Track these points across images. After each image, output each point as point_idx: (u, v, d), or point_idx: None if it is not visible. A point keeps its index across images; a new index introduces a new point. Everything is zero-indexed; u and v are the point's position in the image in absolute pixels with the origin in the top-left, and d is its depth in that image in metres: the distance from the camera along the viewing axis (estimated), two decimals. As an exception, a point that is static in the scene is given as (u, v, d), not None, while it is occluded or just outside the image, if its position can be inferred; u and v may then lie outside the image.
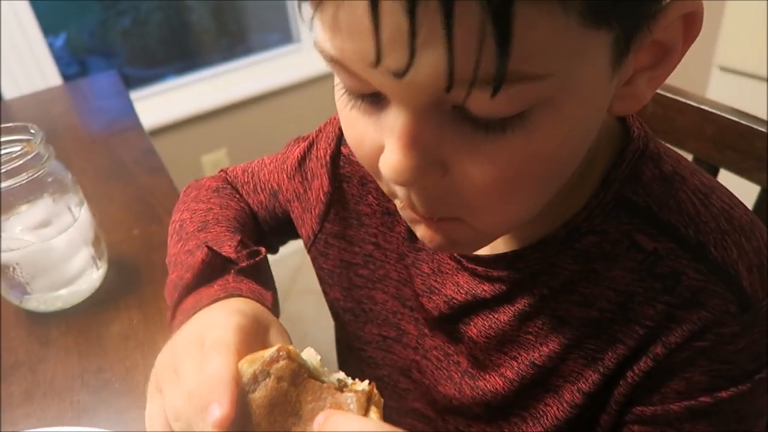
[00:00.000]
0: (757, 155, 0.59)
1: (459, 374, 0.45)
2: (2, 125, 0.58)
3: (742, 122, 0.60)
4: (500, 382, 0.42)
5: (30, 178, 0.55)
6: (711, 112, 0.62)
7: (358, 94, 0.30)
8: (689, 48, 0.31)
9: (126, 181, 0.79)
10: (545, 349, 0.39)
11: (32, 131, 0.57)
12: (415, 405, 0.50)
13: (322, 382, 0.32)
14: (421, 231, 0.35)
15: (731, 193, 0.37)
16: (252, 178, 0.56)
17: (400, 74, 0.25)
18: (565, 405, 0.39)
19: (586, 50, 0.26)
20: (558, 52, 0.25)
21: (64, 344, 0.56)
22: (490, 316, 0.41)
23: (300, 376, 0.32)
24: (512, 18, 0.22)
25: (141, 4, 2.03)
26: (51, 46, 1.58)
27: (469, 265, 0.41)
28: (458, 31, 0.23)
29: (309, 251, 0.52)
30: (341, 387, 0.32)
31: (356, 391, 0.31)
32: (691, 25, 0.30)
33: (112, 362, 0.53)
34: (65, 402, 0.50)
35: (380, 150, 0.30)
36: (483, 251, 0.40)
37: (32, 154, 0.54)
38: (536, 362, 0.40)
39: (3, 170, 0.53)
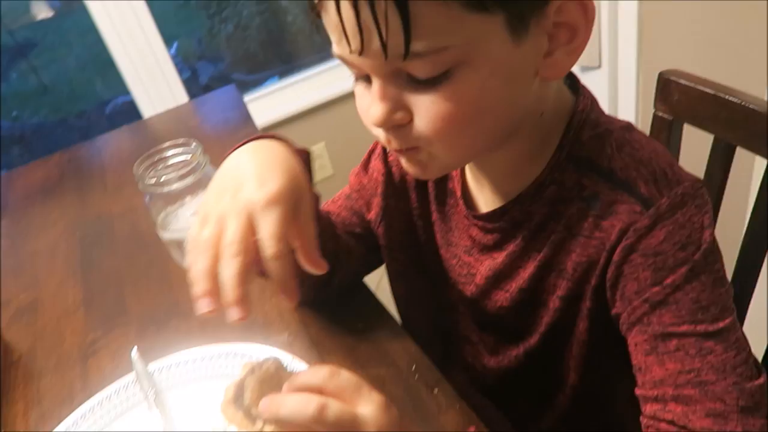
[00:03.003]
0: (759, 134, 0.70)
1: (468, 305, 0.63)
2: (172, 141, 0.81)
3: (749, 106, 0.71)
4: (499, 312, 0.59)
5: (194, 180, 0.77)
6: (722, 98, 0.73)
7: (358, 76, 0.48)
8: (593, 24, 0.44)
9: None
10: (526, 275, 0.55)
11: (193, 145, 0.80)
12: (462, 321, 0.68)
13: None
14: (404, 164, 0.52)
15: (650, 148, 0.51)
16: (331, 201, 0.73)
17: (360, 52, 0.42)
18: (551, 311, 0.55)
19: (478, 27, 0.40)
20: (448, 30, 0.40)
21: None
22: (490, 260, 0.58)
23: (283, 369, 0.49)
24: (408, 8, 0.38)
25: (242, 10, 2.28)
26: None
27: (474, 222, 0.58)
28: (380, 20, 0.39)
29: (378, 228, 0.69)
30: None
31: None
32: (587, 7, 0.43)
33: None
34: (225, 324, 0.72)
35: None
36: (481, 209, 0.58)
37: (195, 163, 0.77)
38: (523, 287, 0.56)
39: (178, 174, 0.76)
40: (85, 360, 0.73)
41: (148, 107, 1.81)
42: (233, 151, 0.56)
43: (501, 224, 0.56)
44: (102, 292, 0.84)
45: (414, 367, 0.61)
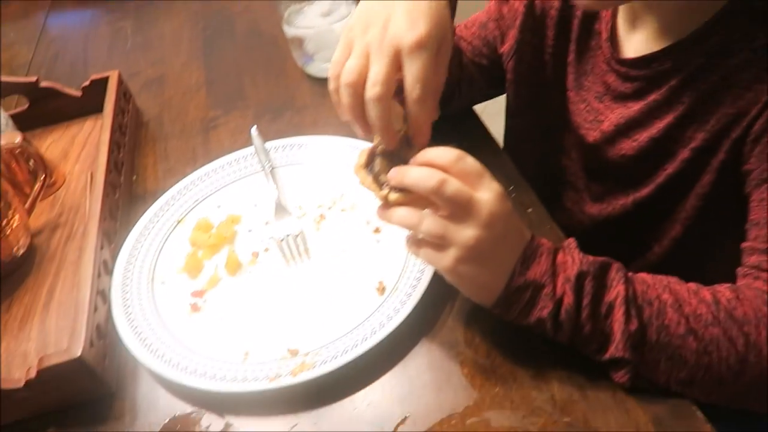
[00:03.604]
0: None
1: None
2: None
3: None
4: (620, 160, 0.58)
5: (324, -22, 0.78)
6: None
7: None
8: None
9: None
10: (661, 125, 0.54)
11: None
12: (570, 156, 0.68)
13: None
14: None
15: None
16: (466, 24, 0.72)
17: None
18: (677, 162, 0.54)
19: None
20: None
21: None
22: (623, 108, 0.57)
23: (411, 144, 0.49)
24: None
25: None
26: None
27: (616, 67, 0.56)
28: None
29: (508, 62, 0.68)
30: None
31: None
32: None
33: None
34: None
35: None
36: (626, 54, 0.56)
37: (328, -40, 0.77)
38: (655, 137, 0.55)
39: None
40: (206, 132, 0.79)
41: None
42: None
43: (646, 72, 0.54)
44: (223, 78, 0.89)
45: (512, 187, 0.64)
